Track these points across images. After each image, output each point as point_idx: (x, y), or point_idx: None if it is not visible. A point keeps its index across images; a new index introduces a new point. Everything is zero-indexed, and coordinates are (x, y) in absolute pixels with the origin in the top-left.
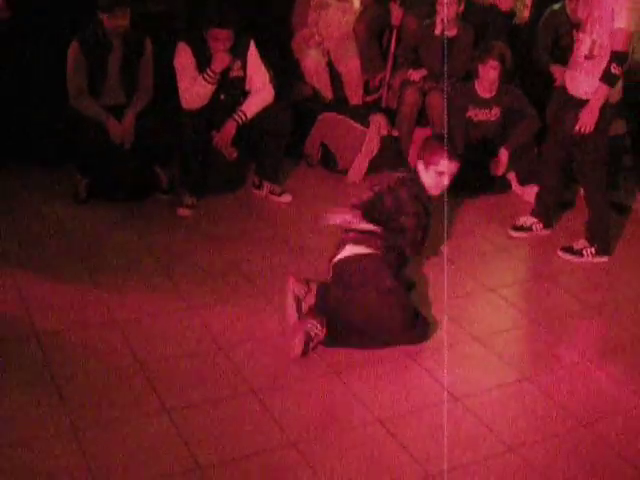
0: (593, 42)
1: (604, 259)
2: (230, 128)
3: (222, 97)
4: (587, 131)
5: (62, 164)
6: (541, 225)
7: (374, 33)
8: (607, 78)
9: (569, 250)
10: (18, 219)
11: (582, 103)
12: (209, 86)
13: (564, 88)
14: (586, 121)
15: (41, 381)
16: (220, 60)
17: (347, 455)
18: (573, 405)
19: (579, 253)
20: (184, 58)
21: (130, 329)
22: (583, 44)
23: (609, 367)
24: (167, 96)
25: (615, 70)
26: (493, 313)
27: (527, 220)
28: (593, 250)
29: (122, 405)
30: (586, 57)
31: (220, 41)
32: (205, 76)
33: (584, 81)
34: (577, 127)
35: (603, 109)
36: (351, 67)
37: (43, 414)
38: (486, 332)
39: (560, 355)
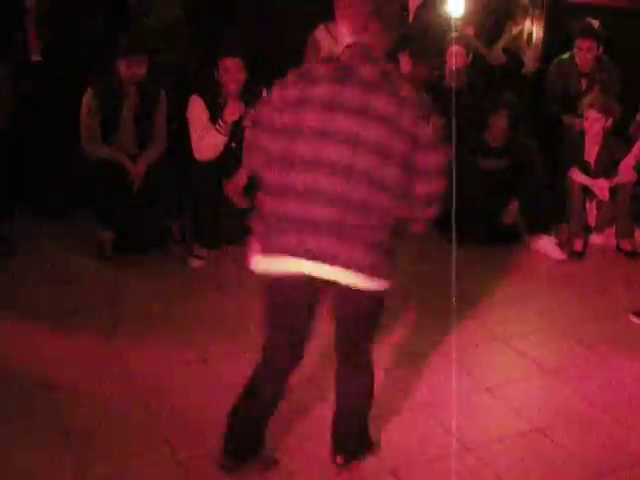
0: None
1: None
2: (241, 177)
3: (233, 145)
4: (630, 180)
5: (74, 215)
6: None
7: None
8: None
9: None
10: (33, 270)
11: None
12: (221, 137)
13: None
14: (626, 170)
15: (52, 434)
16: (231, 111)
17: None
18: (589, 456)
19: None
20: (197, 110)
21: (142, 381)
22: None
23: (623, 418)
24: (178, 147)
25: None
26: (504, 363)
27: None
28: None
29: (134, 459)
30: None
31: (230, 73)
32: (217, 127)
33: None
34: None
35: None
36: None
37: (54, 467)
38: (497, 382)
39: (573, 406)
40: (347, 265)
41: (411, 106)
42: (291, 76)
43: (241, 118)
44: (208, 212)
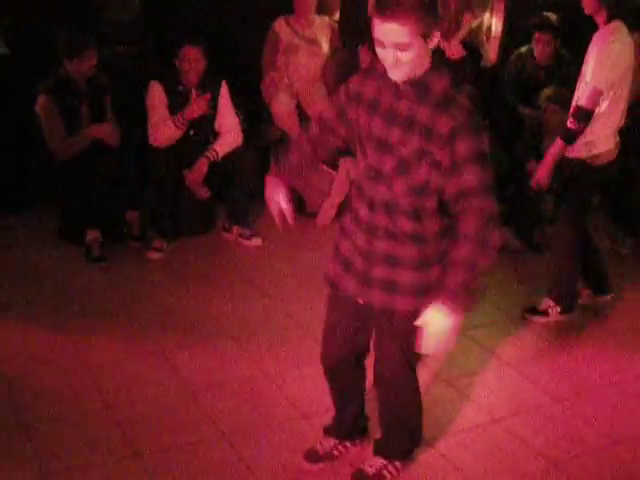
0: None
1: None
2: (202, 165)
3: (192, 132)
4: (543, 186)
5: (30, 208)
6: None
7: (342, 76)
8: (563, 132)
9: (533, 310)
10: None
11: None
12: (177, 131)
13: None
14: (539, 176)
15: (9, 426)
16: (193, 109)
17: None
18: (547, 447)
19: (545, 313)
20: (155, 96)
21: (100, 374)
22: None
23: (579, 408)
24: (136, 138)
25: (571, 125)
26: (463, 355)
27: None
28: (558, 309)
29: (92, 450)
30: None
31: (191, 62)
32: (175, 121)
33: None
34: (532, 183)
35: (572, 165)
36: (320, 110)
37: (11, 458)
38: (455, 374)
39: (530, 397)
40: None
41: None
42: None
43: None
44: (166, 203)
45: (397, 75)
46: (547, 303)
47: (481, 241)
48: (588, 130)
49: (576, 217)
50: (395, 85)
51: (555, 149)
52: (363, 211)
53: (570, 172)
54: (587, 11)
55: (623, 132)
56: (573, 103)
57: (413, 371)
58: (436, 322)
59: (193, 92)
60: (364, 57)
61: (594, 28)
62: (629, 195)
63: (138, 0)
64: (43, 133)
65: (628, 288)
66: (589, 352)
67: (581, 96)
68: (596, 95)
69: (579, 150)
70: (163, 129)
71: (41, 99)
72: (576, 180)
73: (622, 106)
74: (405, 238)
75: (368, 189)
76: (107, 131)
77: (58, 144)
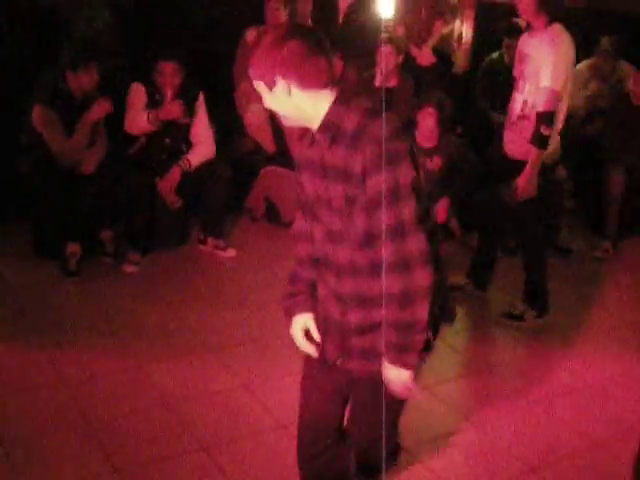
0: (524, 102)
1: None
2: (175, 174)
3: (167, 141)
4: (528, 196)
5: (3, 223)
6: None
7: None
8: (537, 140)
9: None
10: None
11: (519, 165)
12: (148, 126)
13: (500, 149)
14: (523, 189)
15: None
16: (167, 111)
17: None
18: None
19: (520, 318)
20: (137, 95)
21: (79, 389)
22: (516, 103)
23: (553, 411)
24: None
25: (545, 131)
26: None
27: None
28: (534, 313)
29: (72, 466)
30: (519, 117)
31: (167, 76)
32: (150, 116)
33: (518, 141)
34: (517, 196)
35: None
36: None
37: None
38: (433, 381)
39: (506, 400)
40: None
41: None
42: None
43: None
44: (141, 214)
45: (286, 122)
46: (522, 307)
47: (404, 305)
48: None
49: (539, 218)
50: (312, 135)
51: (535, 158)
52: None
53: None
54: (525, 16)
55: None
56: (531, 109)
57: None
58: (391, 378)
59: (168, 94)
60: (336, 65)
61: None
62: (603, 199)
63: (109, 13)
64: (45, 141)
65: (604, 290)
66: (565, 354)
67: (540, 101)
68: (556, 97)
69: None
70: (137, 119)
71: (38, 109)
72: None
73: (565, 106)
74: (374, 301)
75: (330, 255)
76: (102, 109)
77: (64, 146)
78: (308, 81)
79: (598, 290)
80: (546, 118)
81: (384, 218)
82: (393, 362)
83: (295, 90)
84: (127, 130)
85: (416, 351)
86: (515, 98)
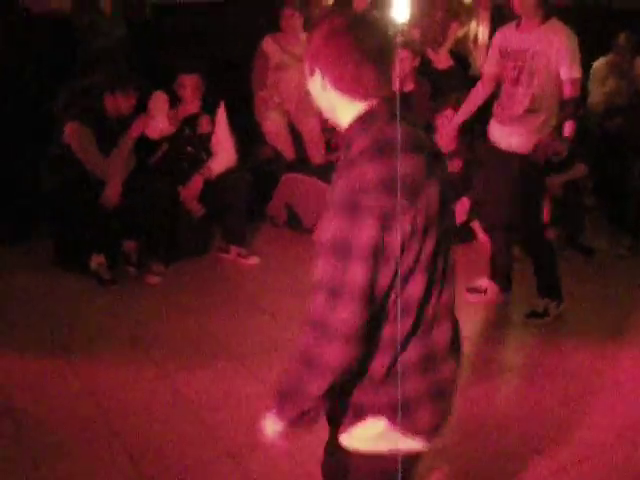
0: (532, 95)
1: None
2: (197, 182)
3: (189, 149)
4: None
5: (25, 240)
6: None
7: None
8: (574, 113)
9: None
10: None
11: (516, 157)
12: (166, 124)
13: (491, 146)
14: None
15: (15, 459)
16: (186, 109)
17: None
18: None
19: (544, 314)
20: (159, 101)
21: (105, 399)
22: (520, 97)
23: (584, 409)
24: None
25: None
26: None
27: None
28: (554, 303)
29: (100, 476)
30: (526, 111)
31: (189, 89)
32: (169, 114)
33: (522, 135)
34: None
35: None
36: (312, 127)
37: None
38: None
39: (533, 401)
40: None
41: None
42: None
43: (197, 123)
44: (163, 224)
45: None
46: (543, 303)
47: (306, 359)
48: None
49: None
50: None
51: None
52: None
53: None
54: (523, 12)
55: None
56: (542, 102)
57: None
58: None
59: (187, 92)
60: None
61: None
62: (625, 196)
63: (125, 25)
64: (76, 158)
65: (627, 289)
66: (593, 354)
67: (573, 89)
68: (580, 83)
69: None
70: (158, 120)
71: (73, 126)
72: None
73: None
74: None
75: None
76: (143, 126)
77: (102, 163)
78: (344, 86)
79: (622, 289)
80: (575, 101)
81: (315, 270)
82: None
83: (330, 87)
84: (148, 134)
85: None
86: (516, 92)
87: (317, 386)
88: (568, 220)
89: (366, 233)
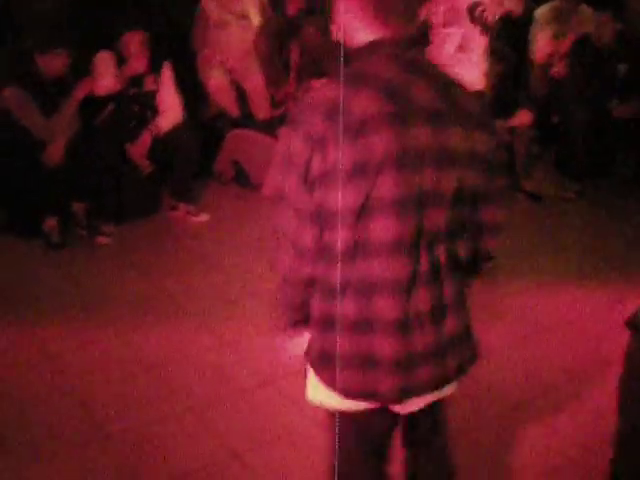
0: (465, 36)
1: None
2: (145, 139)
3: (136, 109)
4: None
5: None
6: None
7: (275, 48)
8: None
9: None
10: None
11: None
12: (117, 84)
13: None
14: None
15: None
16: (131, 66)
17: (293, 462)
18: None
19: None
20: (105, 61)
21: (64, 362)
22: (454, 37)
23: (534, 348)
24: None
25: None
26: None
27: None
28: None
29: (62, 438)
30: (459, 50)
31: (134, 46)
32: (116, 74)
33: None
34: None
35: None
36: (255, 83)
37: None
38: None
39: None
40: None
41: None
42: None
43: (141, 81)
44: (110, 184)
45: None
46: None
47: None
48: None
49: None
50: None
51: None
52: None
53: None
54: None
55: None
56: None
57: None
58: None
59: (132, 49)
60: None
61: None
62: (569, 142)
63: None
64: (22, 124)
65: (574, 231)
66: (539, 294)
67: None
68: None
69: None
70: (105, 78)
71: (9, 91)
72: None
73: None
74: None
75: None
76: (88, 87)
77: (45, 126)
78: (364, 10)
79: (569, 232)
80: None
81: None
82: None
83: (351, 9)
84: (95, 92)
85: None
86: (452, 33)
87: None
88: (515, 166)
89: (287, 142)
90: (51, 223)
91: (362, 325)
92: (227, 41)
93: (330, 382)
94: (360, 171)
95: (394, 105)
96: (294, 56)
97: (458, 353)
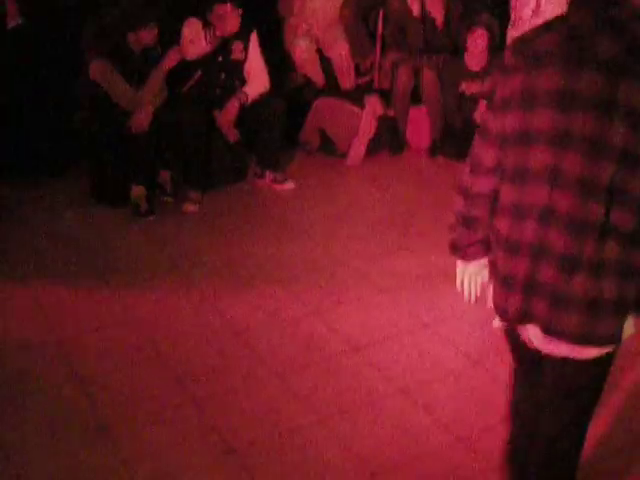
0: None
1: None
2: (233, 107)
3: (223, 76)
4: None
5: (62, 173)
6: None
7: (361, 16)
8: None
9: None
10: (28, 229)
11: None
12: (207, 46)
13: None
14: None
15: (68, 383)
16: (225, 25)
17: (375, 428)
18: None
19: None
20: (194, 26)
21: (148, 326)
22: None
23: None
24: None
25: None
26: None
27: None
28: None
29: (150, 400)
30: (533, 13)
31: (223, 18)
32: (207, 35)
33: None
34: None
35: None
36: (341, 52)
37: (71, 416)
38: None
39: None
40: None
41: None
42: (510, 56)
43: (230, 49)
44: (198, 151)
45: None
46: None
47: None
48: None
49: None
50: None
51: None
52: None
53: None
54: None
55: None
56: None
57: None
58: None
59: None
60: None
61: None
62: None
63: None
64: (110, 95)
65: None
66: None
67: None
68: None
69: None
70: (196, 42)
71: (97, 64)
72: None
73: None
74: None
75: None
76: (176, 57)
77: (133, 97)
78: None
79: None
80: None
81: None
82: None
83: None
84: (185, 56)
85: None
86: None
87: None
88: None
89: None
90: (139, 190)
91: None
92: (313, 10)
93: None
94: (524, 101)
95: (569, 48)
96: (379, 26)
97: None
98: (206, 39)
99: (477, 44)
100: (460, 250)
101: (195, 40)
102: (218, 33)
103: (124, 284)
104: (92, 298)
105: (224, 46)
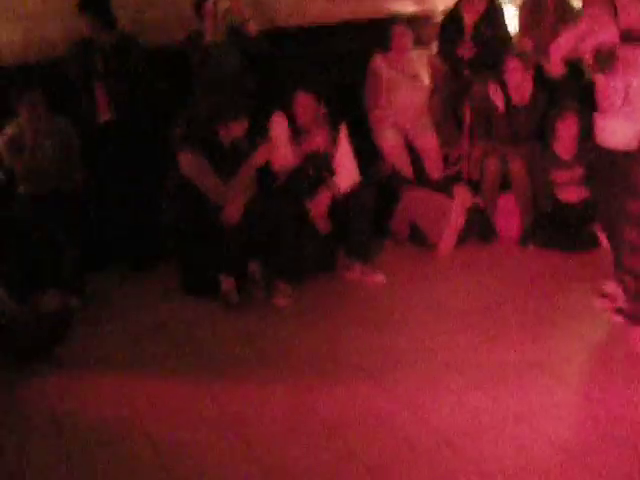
0: (628, 86)
1: None
2: (325, 197)
3: (311, 172)
4: None
5: (152, 267)
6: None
7: (449, 107)
8: None
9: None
10: (118, 320)
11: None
12: (295, 159)
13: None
14: None
15: None
16: (311, 142)
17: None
18: None
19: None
20: (280, 126)
21: (241, 422)
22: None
23: None
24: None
25: None
26: None
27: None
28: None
29: None
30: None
31: (303, 107)
32: (295, 149)
33: (621, 130)
34: None
35: None
36: (429, 143)
37: None
38: None
39: None
40: None
41: None
42: None
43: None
44: (289, 243)
45: None
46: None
47: None
48: None
49: None
50: None
51: None
52: None
53: None
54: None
55: None
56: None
57: None
58: None
59: (307, 118)
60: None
61: None
62: None
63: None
64: (199, 188)
65: None
66: None
67: None
68: None
69: None
70: (283, 151)
71: (186, 156)
72: None
73: None
74: None
75: None
76: (266, 153)
77: (222, 191)
78: None
79: None
80: None
81: None
82: None
83: None
84: (276, 165)
85: None
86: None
87: None
88: None
89: None
90: (229, 283)
91: None
92: (399, 101)
93: None
94: None
95: None
96: (466, 116)
97: None
98: (294, 151)
99: (570, 130)
100: None
101: (282, 149)
102: (306, 148)
103: (216, 378)
104: (183, 392)
105: (313, 158)
